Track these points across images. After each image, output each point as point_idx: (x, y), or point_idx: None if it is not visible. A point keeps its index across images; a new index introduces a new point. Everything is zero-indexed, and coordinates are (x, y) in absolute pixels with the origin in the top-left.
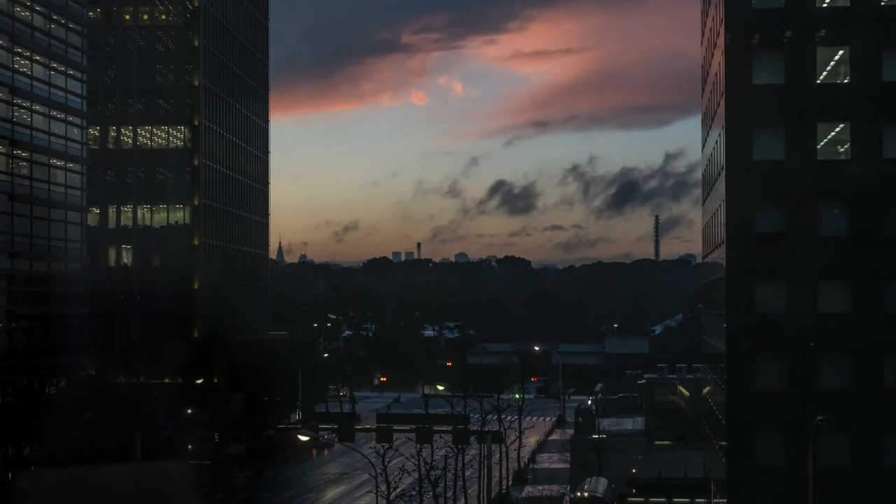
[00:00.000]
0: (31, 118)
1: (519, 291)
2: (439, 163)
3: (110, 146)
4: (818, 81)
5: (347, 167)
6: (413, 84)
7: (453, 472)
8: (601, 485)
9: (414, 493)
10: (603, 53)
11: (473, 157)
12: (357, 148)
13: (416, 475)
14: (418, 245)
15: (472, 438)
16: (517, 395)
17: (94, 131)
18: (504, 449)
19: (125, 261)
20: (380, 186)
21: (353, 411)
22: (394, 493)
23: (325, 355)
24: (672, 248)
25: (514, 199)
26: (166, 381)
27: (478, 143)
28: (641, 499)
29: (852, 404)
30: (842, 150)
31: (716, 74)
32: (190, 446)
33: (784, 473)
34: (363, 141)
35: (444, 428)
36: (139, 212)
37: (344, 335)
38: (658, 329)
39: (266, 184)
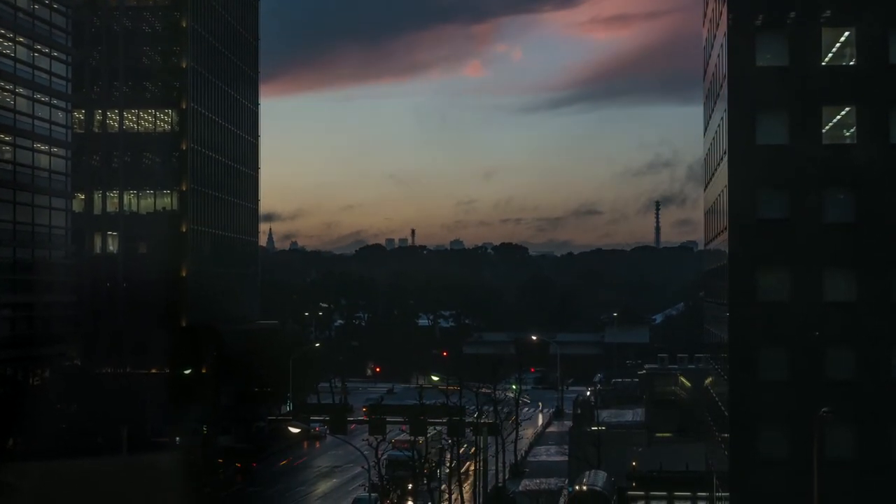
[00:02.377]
0: (14, 101)
1: (516, 279)
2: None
3: (96, 130)
4: (823, 63)
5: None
6: (472, 53)
7: (448, 465)
8: (600, 478)
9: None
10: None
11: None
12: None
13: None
14: (412, 231)
15: (467, 430)
16: (514, 386)
17: (78, 115)
18: (500, 441)
19: (111, 248)
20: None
21: (346, 402)
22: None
23: (317, 345)
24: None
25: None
26: (153, 371)
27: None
28: (642, 492)
29: (858, 395)
30: (847, 133)
31: (718, 56)
32: (178, 439)
33: (788, 466)
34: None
35: (439, 420)
36: (125, 198)
37: (336, 324)
38: (659, 318)
39: (256, 168)
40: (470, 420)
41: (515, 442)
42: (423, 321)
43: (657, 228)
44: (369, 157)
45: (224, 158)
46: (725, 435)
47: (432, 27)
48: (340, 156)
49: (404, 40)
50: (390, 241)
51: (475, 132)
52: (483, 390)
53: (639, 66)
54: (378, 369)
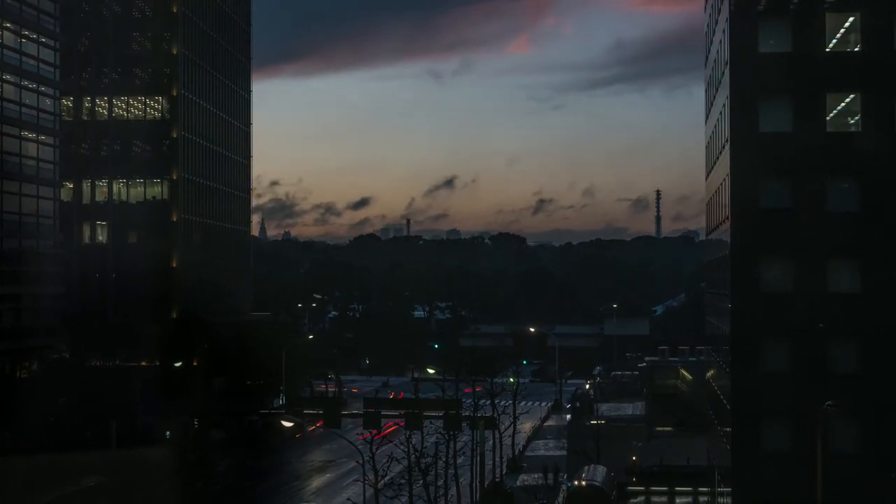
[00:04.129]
0: (1, 88)
1: (513, 270)
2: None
3: (84, 117)
4: (827, 49)
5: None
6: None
7: (444, 459)
8: (599, 473)
9: (403, 481)
10: None
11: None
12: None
13: (405, 463)
14: (407, 221)
15: (464, 424)
16: (511, 379)
17: (67, 102)
18: (498, 435)
19: (100, 238)
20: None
21: (340, 396)
22: (382, 482)
23: (310, 337)
24: None
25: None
26: (143, 364)
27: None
28: (642, 487)
29: (862, 388)
30: (852, 121)
31: (720, 42)
32: (168, 432)
33: (791, 461)
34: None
35: (435, 413)
36: (115, 186)
37: (330, 316)
38: (659, 309)
39: (248, 157)
40: (466, 414)
41: (513, 436)
42: (418, 313)
43: (658, 218)
44: (390, 140)
45: (215, 147)
46: (727, 429)
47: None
48: (364, 139)
49: (450, 15)
50: (385, 230)
51: (511, 114)
52: (478, 389)
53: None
54: (367, 360)
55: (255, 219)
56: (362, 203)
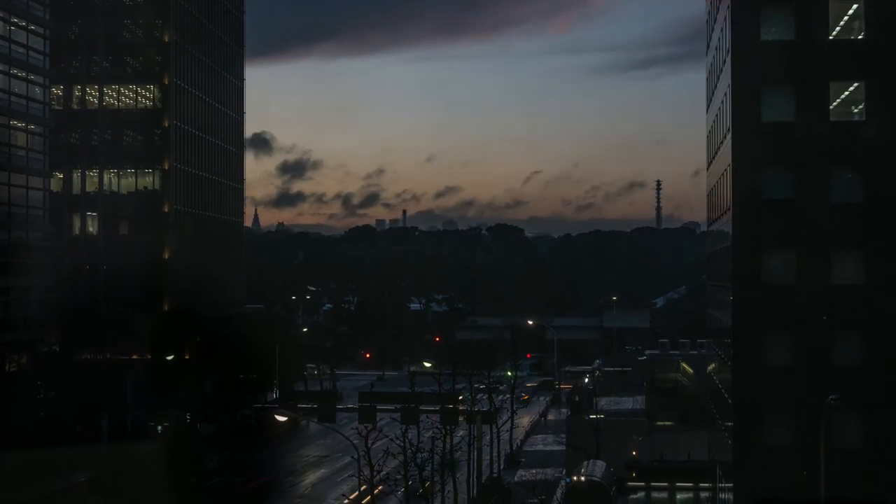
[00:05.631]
0: None
1: (511, 261)
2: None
3: (75, 106)
4: (831, 37)
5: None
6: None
7: (441, 454)
8: (599, 468)
9: (399, 477)
10: None
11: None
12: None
13: (401, 458)
14: (403, 212)
15: (461, 419)
16: (509, 373)
17: (57, 90)
18: (495, 430)
19: (90, 229)
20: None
21: (334, 390)
22: (377, 477)
23: (304, 330)
24: None
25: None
26: (134, 357)
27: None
28: (642, 483)
29: (866, 382)
30: (856, 110)
31: (721, 30)
32: (160, 427)
33: (794, 455)
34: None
35: (432, 407)
36: (105, 177)
37: (324, 308)
38: (660, 302)
39: (241, 146)
40: (464, 408)
41: (511, 431)
42: (414, 305)
43: (658, 208)
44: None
45: (208, 136)
46: (729, 423)
47: None
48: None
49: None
50: (381, 222)
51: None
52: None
53: None
54: (368, 355)
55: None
56: (448, 191)
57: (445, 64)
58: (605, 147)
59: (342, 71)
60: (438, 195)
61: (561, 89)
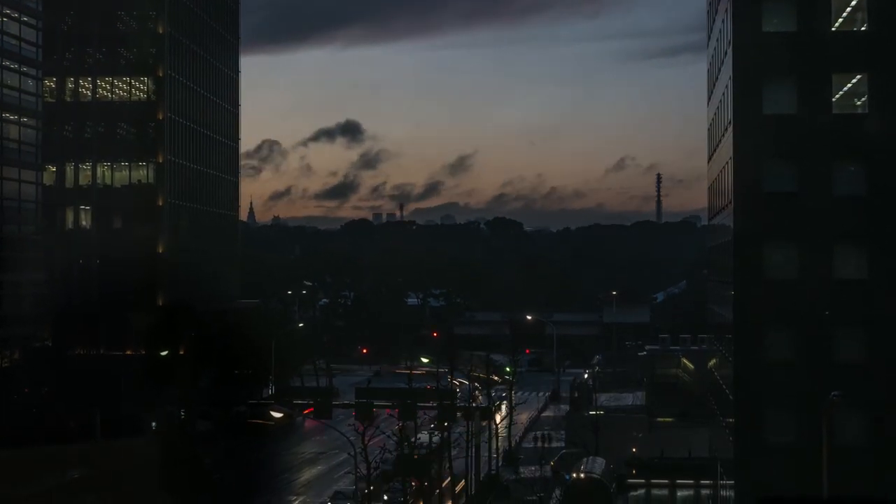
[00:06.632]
0: None
1: (510, 256)
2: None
3: (68, 99)
4: (833, 29)
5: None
6: None
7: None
8: (598, 465)
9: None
10: None
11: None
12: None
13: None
14: (401, 206)
15: (458, 415)
16: (508, 369)
17: (49, 83)
18: (494, 426)
19: (84, 223)
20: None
21: (331, 386)
22: (374, 474)
23: (300, 325)
24: None
25: None
26: (128, 352)
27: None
28: (642, 480)
29: (869, 378)
30: (859, 103)
31: (722, 21)
32: (154, 423)
33: (796, 452)
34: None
35: (429, 404)
36: (99, 170)
37: (321, 303)
38: (660, 297)
39: (236, 139)
40: (461, 404)
41: (509, 427)
42: (412, 300)
43: (658, 202)
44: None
45: (203, 129)
46: (730, 419)
47: None
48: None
49: None
50: (378, 216)
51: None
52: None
53: None
54: (365, 351)
55: (245, 202)
56: (460, 164)
57: (465, 52)
58: (627, 135)
59: (348, 61)
60: (440, 187)
61: (593, 77)
